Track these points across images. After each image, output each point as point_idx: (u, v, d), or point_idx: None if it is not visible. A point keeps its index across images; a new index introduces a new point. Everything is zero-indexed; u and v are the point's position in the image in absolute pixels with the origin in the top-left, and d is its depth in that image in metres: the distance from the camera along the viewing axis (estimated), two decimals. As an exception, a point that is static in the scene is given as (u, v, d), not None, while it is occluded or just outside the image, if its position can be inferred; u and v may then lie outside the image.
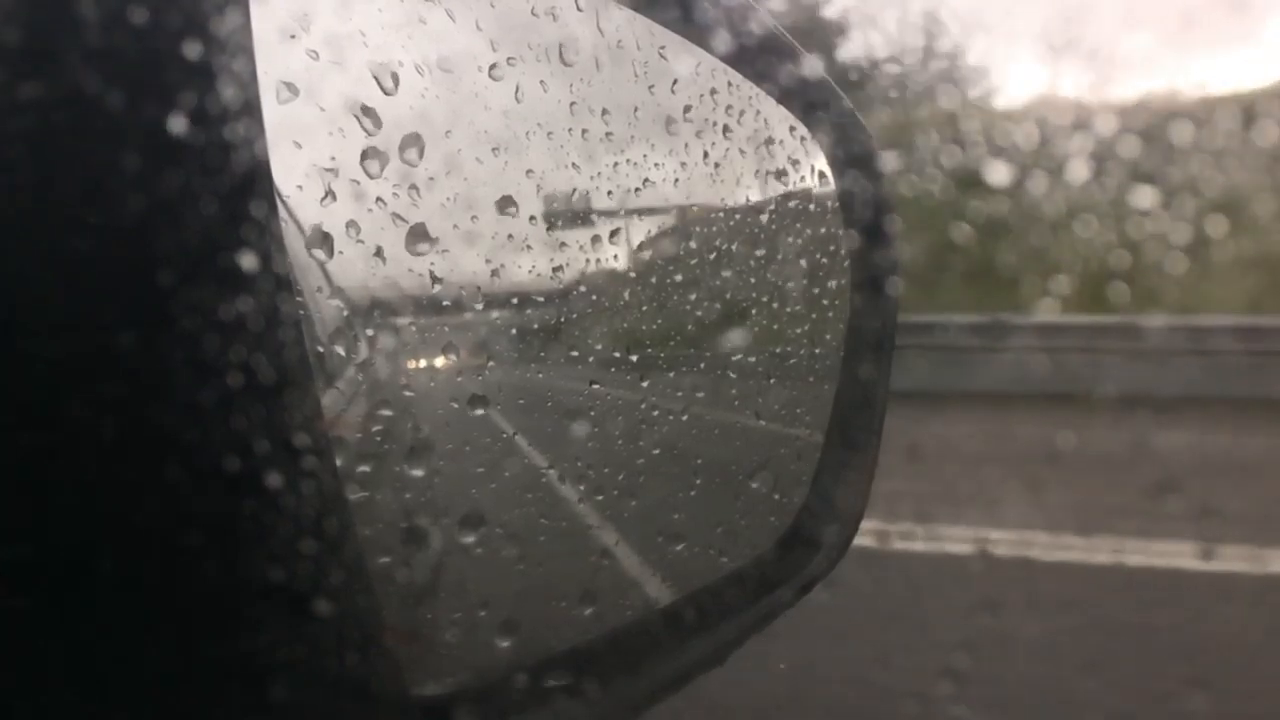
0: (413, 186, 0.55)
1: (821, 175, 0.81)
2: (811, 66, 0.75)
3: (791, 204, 0.82)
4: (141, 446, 0.37)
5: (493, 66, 0.60)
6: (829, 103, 0.78)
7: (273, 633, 0.40)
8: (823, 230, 0.84)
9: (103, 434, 0.37)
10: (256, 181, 0.40)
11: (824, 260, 0.83)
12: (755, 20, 0.70)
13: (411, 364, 0.61)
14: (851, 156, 0.79)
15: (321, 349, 0.54)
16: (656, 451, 0.73)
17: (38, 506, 0.36)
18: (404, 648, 0.50)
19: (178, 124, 0.38)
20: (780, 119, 0.78)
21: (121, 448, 0.37)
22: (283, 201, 0.46)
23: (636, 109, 0.70)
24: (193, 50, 0.38)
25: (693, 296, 0.76)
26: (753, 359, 0.80)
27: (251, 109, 0.40)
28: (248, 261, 0.39)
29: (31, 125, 0.36)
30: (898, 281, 0.77)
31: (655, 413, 0.73)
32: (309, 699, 0.41)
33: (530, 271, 0.64)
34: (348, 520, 0.45)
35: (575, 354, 0.69)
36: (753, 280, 0.81)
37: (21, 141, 0.36)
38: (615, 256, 0.70)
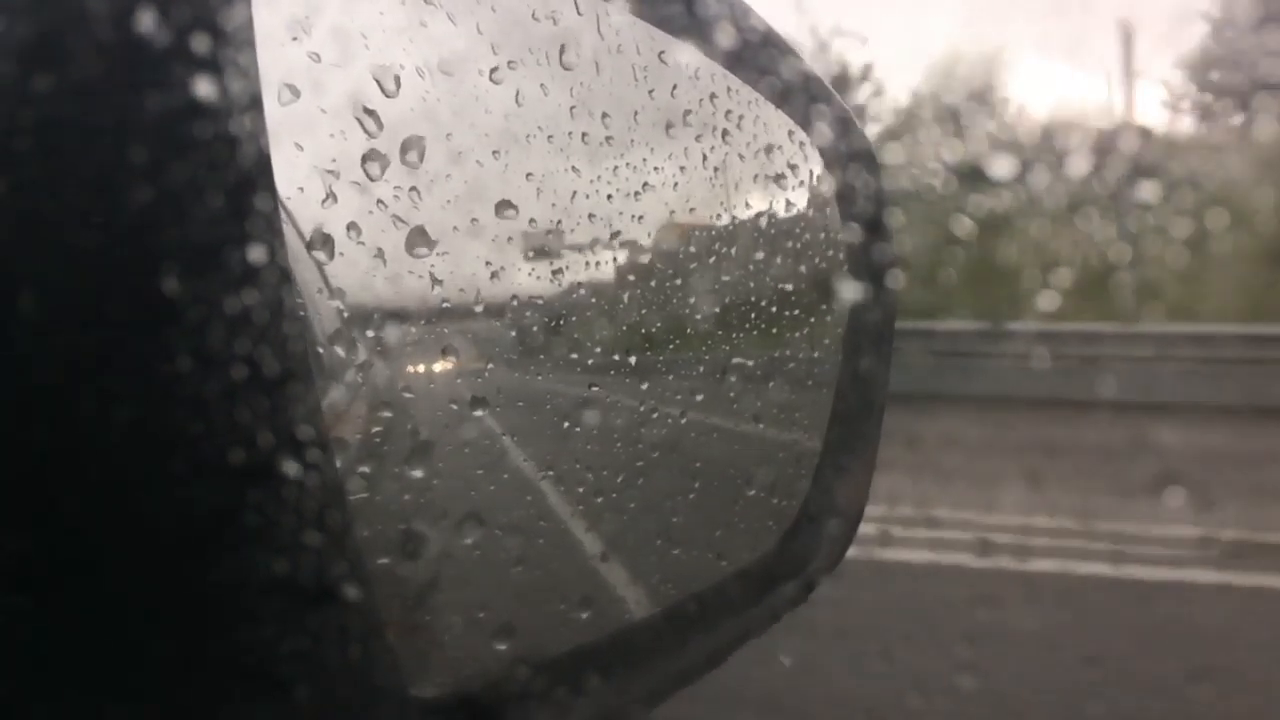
0: (413, 189, 0.55)
1: (820, 179, 0.81)
2: (807, 67, 0.76)
3: (790, 210, 0.83)
4: (146, 439, 0.37)
5: (493, 69, 0.60)
6: (825, 102, 0.79)
7: (276, 625, 0.40)
8: (821, 235, 0.84)
9: (108, 427, 0.37)
10: (261, 175, 0.41)
11: (822, 264, 0.83)
12: (751, 22, 0.70)
13: (411, 366, 0.61)
14: (851, 153, 0.80)
15: (321, 350, 0.54)
16: (656, 454, 0.73)
17: (42, 500, 0.36)
18: (406, 643, 0.49)
19: (184, 118, 0.38)
20: (779, 124, 0.78)
21: (127, 441, 0.37)
22: (282, 204, 0.46)
23: (636, 113, 0.70)
24: (200, 44, 0.38)
25: (692, 300, 0.76)
26: (751, 362, 0.80)
27: (257, 103, 0.41)
28: (253, 254, 0.39)
29: (38, 118, 0.36)
30: (897, 275, 0.77)
31: (654, 415, 0.73)
32: (311, 692, 0.41)
33: (530, 274, 0.65)
34: (348, 517, 0.45)
35: (575, 356, 0.69)
36: (752, 284, 0.81)
37: (28, 134, 0.36)
38: (615, 259, 0.70)
